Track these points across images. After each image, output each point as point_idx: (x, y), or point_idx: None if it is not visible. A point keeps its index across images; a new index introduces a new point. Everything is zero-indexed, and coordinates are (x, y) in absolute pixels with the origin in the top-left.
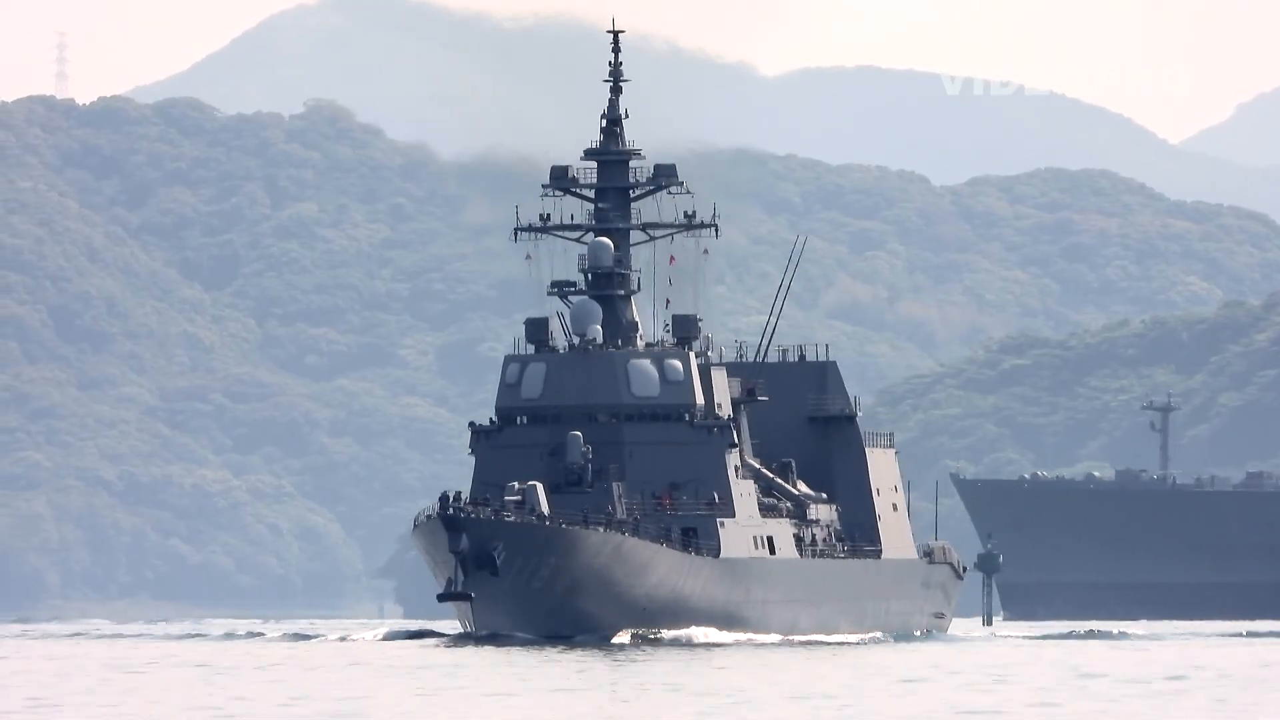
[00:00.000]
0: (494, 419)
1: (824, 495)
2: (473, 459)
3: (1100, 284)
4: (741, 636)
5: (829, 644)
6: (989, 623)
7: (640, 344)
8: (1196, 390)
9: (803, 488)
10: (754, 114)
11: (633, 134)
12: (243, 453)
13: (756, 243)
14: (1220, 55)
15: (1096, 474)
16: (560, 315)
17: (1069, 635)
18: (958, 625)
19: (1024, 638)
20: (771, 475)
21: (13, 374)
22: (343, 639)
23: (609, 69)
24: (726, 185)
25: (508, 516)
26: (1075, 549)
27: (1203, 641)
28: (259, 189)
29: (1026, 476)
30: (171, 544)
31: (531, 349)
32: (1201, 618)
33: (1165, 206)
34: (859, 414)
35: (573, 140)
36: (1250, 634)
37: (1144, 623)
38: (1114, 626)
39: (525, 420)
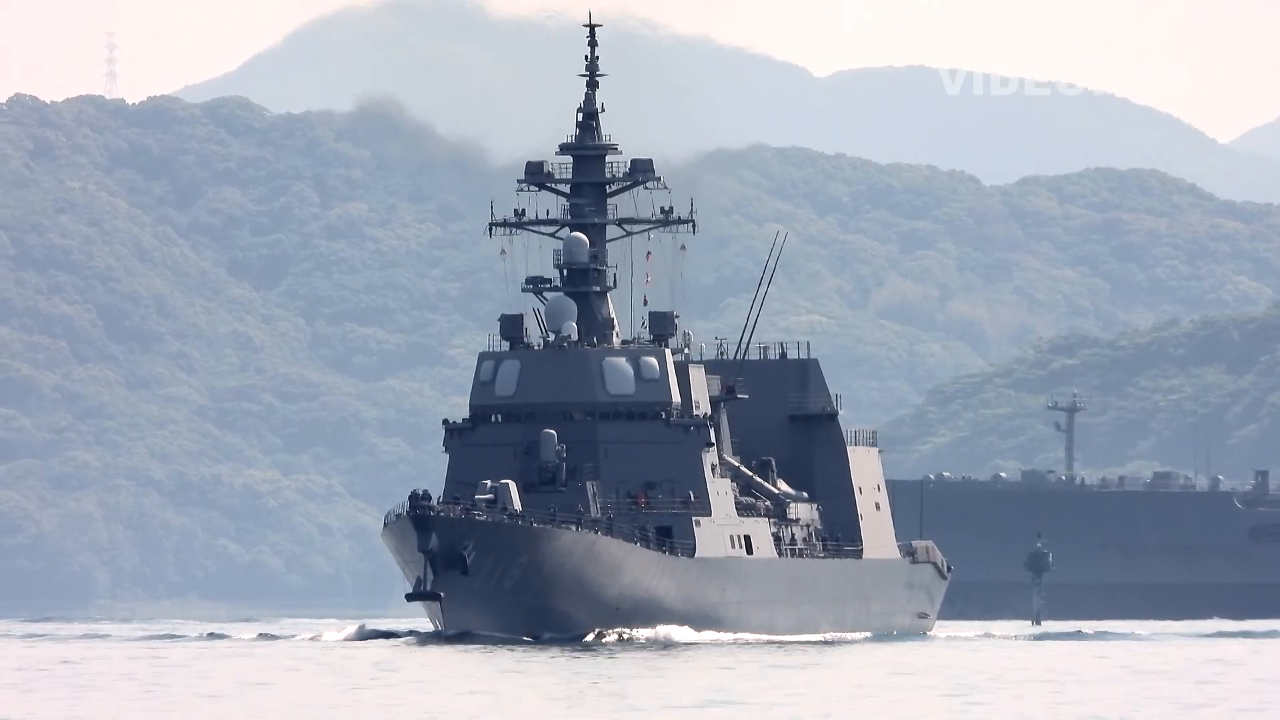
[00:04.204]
0: (467, 417)
1: (804, 494)
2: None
3: (1150, 284)
4: (717, 636)
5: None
6: (1038, 623)
7: (616, 341)
8: (1246, 390)
9: (783, 486)
10: (805, 113)
11: (674, 131)
12: (292, 452)
13: (807, 242)
14: (1269, 53)
15: (1003, 475)
16: (535, 311)
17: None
18: (996, 626)
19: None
20: (751, 474)
21: (62, 374)
22: (314, 638)
23: (585, 63)
24: (779, 185)
25: (478, 515)
26: (981, 550)
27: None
28: (308, 188)
29: (931, 477)
30: (221, 544)
31: (506, 346)
32: (1110, 618)
33: (1215, 206)
34: (840, 412)
35: (624, 139)
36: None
37: (1050, 624)
38: (1019, 629)
39: (499, 418)
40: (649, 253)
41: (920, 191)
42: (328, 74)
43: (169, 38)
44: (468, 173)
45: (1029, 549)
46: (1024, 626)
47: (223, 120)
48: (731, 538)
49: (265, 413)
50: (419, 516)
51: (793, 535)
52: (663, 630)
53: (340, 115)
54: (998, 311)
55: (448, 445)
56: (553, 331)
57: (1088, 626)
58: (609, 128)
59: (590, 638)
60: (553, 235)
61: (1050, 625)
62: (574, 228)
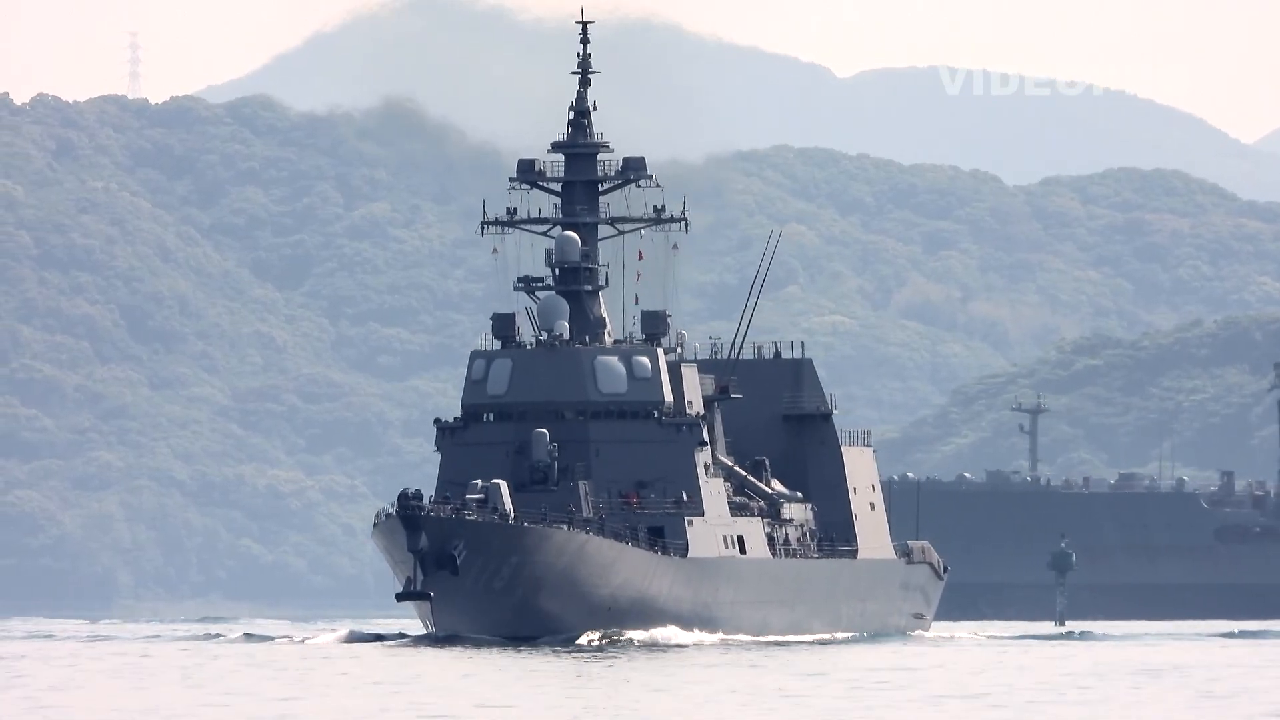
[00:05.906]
0: (459, 416)
1: (799, 494)
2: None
3: (1173, 284)
4: (710, 637)
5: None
6: (1062, 623)
7: (608, 340)
8: (1269, 390)
9: (777, 486)
10: (828, 114)
11: (696, 132)
12: (315, 453)
13: (830, 242)
14: None
15: (968, 475)
16: (527, 311)
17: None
18: (1031, 627)
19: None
20: (745, 474)
21: (85, 374)
22: (305, 640)
23: (577, 60)
24: (802, 185)
25: (469, 515)
26: (946, 550)
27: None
28: (331, 188)
29: (895, 478)
30: (244, 544)
31: (498, 345)
32: (1076, 618)
33: (1238, 207)
34: (834, 411)
35: (648, 140)
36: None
37: (1014, 624)
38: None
39: (491, 417)
40: (640, 252)
41: (943, 192)
42: (349, 74)
43: (192, 38)
44: (488, 173)
45: (1053, 549)
46: (1016, 627)
47: (245, 120)
48: (725, 538)
49: (288, 413)
50: (408, 516)
51: (787, 535)
52: (655, 632)
53: (363, 115)
54: (1020, 312)
55: (439, 444)
56: (545, 330)
57: (1088, 627)
58: (627, 129)
59: (592, 639)
60: (544, 234)
61: (1031, 627)
62: (566, 226)
